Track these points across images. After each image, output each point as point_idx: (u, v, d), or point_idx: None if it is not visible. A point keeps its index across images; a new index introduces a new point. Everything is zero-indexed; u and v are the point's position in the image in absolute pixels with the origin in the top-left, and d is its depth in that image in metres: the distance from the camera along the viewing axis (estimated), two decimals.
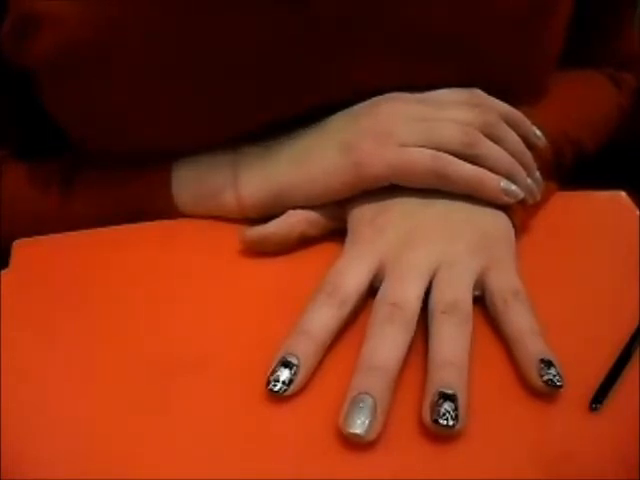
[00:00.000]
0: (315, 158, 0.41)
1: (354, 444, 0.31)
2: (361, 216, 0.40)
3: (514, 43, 0.43)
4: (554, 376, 0.32)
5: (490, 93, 0.43)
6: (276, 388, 0.32)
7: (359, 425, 0.30)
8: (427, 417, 0.31)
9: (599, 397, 0.32)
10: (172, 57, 0.39)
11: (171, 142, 0.43)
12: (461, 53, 0.42)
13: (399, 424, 0.32)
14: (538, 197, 0.42)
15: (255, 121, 0.42)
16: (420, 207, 0.40)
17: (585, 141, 0.50)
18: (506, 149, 0.41)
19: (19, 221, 0.45)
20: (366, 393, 0.31)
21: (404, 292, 0.35)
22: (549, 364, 0.32)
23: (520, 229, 0.41)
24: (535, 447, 0.31)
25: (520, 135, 0.42)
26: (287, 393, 0.32)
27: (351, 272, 0.37)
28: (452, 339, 0.34)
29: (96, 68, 0.39)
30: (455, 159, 0.39)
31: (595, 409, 0.32)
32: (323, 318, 0.35)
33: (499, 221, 0.40)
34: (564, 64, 0.49)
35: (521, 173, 0.41)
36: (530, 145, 0.43)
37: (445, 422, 0.30)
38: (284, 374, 0.33)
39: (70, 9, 0.37)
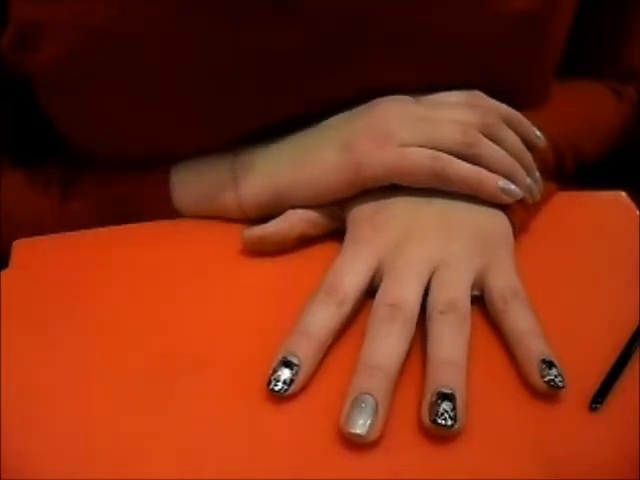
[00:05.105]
0: (315, 158, 0.41)
1: (354, 444, 0.31)
2: (360, 214, 0.40)
3: (514, 45, 0.43)
4: (556, 376, 0.32)
5: (490, 95, 0.43)
6: (277, 388, 0.32)
7: (361, 425, 0.30)
8: (425, 417, 0.31)
9: (599, 397, 0.32)
10: (171, 62, 0.39)
11: (171, 146, 0.43)
12: (461, 54, 0.42)
13: (399, 424, 0.32)
14: (538, 197, 0.42)
15: (255, 124, 0.42)
16: (419, 206, 0.40)
17: (585, 147, 0.50)
18: (506, 149, 0.41)
19: (19, 223, 0.45)
20: (367, 393, 0.31)
21: (403, 292, 0.35)
22: (550, 364, 0.33)
23: (520, 229, 0.41)
24: (535, 447, 0.31)
25: (520, 135, 0.42)
26: (288, 393, 0.32)
27: (350, 271, 0.37)
28: (450, 339, 0.34)
29: (96, 75, 0.39)
30: (454, 159, 0.39)
31: (595, 409, 0.32)
32: (323, 318, 0.35)
33: (498, 221, 0.40)
34: (566, 75, 0.49)
35: (521, 173, 0.41)
36: (530, 146, 0.43)
37: (443, 422, 0.30)
38: (285, 374, 0.33)
39: (71, 18, 0.38)
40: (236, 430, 0.32)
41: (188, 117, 0.42)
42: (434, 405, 0.31)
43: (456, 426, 0.30)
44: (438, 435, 0.31)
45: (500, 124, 0.41)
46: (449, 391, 0.31)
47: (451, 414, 0.31)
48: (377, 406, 0.31)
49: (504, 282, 0.37)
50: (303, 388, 0.33)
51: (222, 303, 0.39)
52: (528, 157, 0.42)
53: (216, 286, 0.40)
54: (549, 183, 0.45)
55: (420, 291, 0.36)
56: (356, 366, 0.33)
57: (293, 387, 0.33)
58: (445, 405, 0.31)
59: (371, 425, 0.30)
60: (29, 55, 0.39)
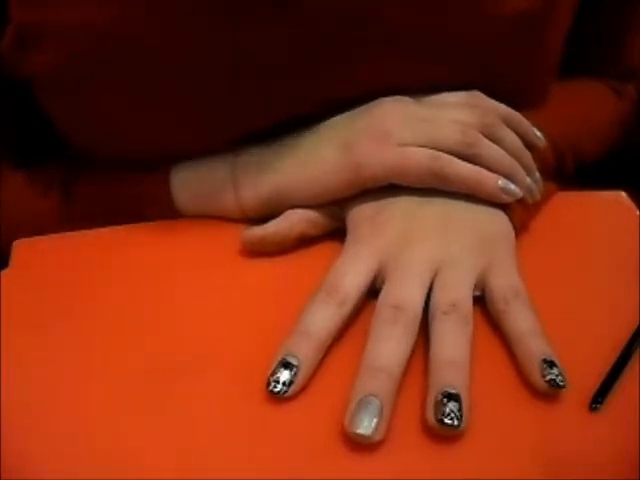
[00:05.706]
0: (315, 158, 0.41)
1: (355, 444, 0.31)
2: (360, 215, 0.40)
3: (514, 45, 0.43)
4: (557, 376, 0.32)
5: (490, 96, 0.43)
6: (276, 389, 0.32)
7: (366, 426, 0.30)
8: (431, 417, 0.31)
9: (599, 397, 0.32)
10: (171, 62, 0.39)
11: (171, 146, 0.43)
12: (461, 54, 0.42)
13: (400, 425, 0.32)
14: (538, 197, 0.42)
15: (255, 124, 0.42)
16: (420, 206, 0.40)
17: (585, 147, 0.50)
18: (505, 149, 0.41)
19: (19, 223, 0.45)
20: (372, 394, 0.31)
21: (406, 293, 0.35)
22: (551, 364, 0.33)
23: (520, 229, 0.41)
24: (536, 447, 0.31)
25: (520, 135, 0.42)
26: (287, 394, 0.32)
27: (350, 272, 0.37)
28: (453, 339, 0.34)
29: (96, 75, 0.39)
30: (454, 159, 0.39)
31: (595, 409, 0.32)
32: (323, 318, 0.35)
33: (499, 220, 0.40)
34: (566, 74, 0.49)
35: (520, 173, 0.41)
36: (530, 145, 0.43)
37: (450, 422, 0.30)
38: (284, 375, 0.33)
39: (71, 18, 0.38)
40: (236, 430, 0.32)
41: (188, 117, 0.41)
42: (440, 405, 0.31)
43: (461, 426, 0.30)
44: (439, 435, 0.31)
45: (500, 124, 0.41)
46: (455, 391, 0.31)
47: (457, 414, 0.31)
48: (382, 407, 0.31)
49: (505, 282, 0.37)
50: (303, 388, 0.33)
51: (222, 303, 0.39)
52: (528, 157, 0.42)
53: (216, 286, 0.40)
54: (549, 183, 0.45)
55: (423, 292, 0.36)
56: (359, 367, 0.33)
57: (292, 388, 0.33)
58: (451, 405, 0.31)
59: (376, 426, 0.30)
60: (29, 56, 0.39)
